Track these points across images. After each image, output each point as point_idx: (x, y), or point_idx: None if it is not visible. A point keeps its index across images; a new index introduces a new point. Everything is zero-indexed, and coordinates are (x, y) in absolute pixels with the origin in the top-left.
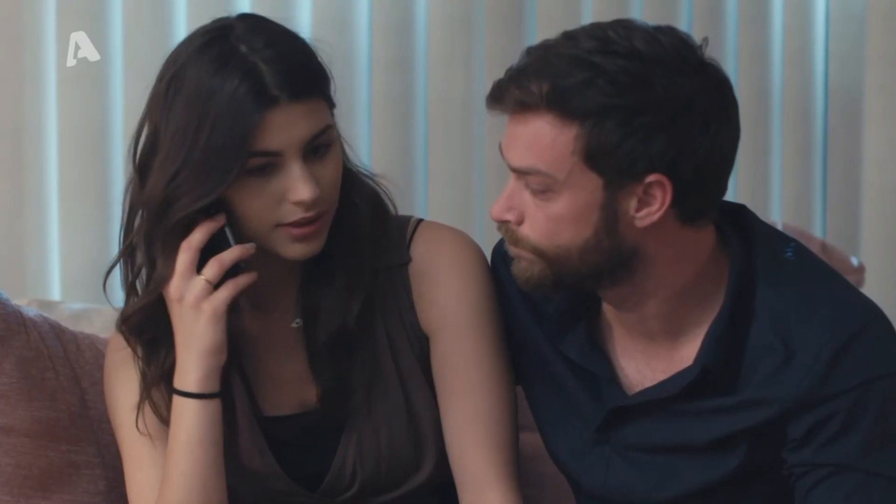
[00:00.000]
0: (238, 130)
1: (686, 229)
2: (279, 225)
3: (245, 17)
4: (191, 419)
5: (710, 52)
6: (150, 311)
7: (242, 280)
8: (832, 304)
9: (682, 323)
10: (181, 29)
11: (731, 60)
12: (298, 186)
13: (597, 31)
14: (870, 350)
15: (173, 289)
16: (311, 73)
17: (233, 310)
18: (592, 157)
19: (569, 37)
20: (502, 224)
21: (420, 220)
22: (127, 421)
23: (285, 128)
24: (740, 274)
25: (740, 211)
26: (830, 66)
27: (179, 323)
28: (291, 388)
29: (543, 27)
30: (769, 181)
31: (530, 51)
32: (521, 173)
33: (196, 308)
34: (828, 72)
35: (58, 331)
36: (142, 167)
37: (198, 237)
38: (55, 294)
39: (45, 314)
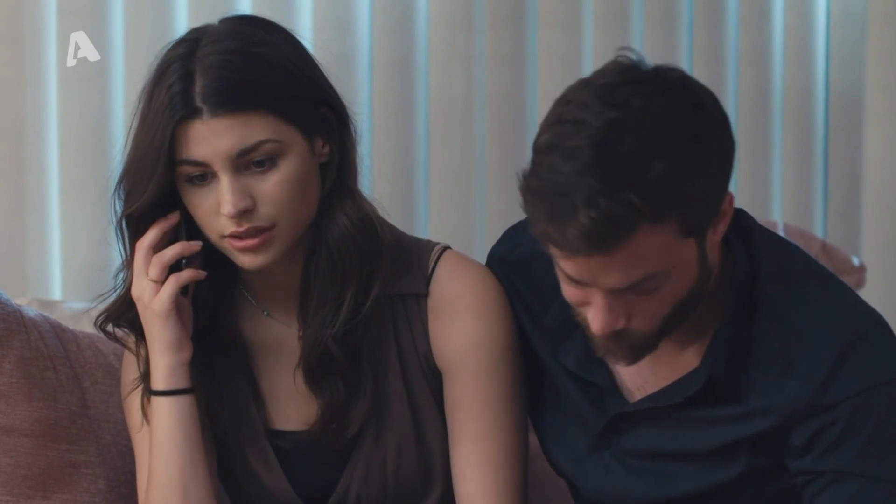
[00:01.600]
0: (160, 135)
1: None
2: (223, 236)
3: (230, 19)
4: (162, 416)
5: (710, 53)
6: (123, 305)
7: (185, 275)
8: (832, 311)
9: (685, 329)
10: (182, 29)
11: (731, 61)
12: (224, 199)
13: (619, 125)
14: (870, 357)
15: (133, 289)
16: (251, 84)
17: (229, 307)
18: (692, 228)
19: (593, 141)
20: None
21: (444, 250)
22: (129, 418)
23: (207, 139)
24: (744, 282)
25: (739, 215)
26: (831, 67)
27: (144, 324)
28: (299, 402)
29: (544, 27)
30: (770, 181)
31: (555, 166)
32: (633, 286)
33: (149, 308)
34: (828, 72)
35: (58, 330)
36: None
37: (150, 236)
38: (56, 293)
39: (46, 314)
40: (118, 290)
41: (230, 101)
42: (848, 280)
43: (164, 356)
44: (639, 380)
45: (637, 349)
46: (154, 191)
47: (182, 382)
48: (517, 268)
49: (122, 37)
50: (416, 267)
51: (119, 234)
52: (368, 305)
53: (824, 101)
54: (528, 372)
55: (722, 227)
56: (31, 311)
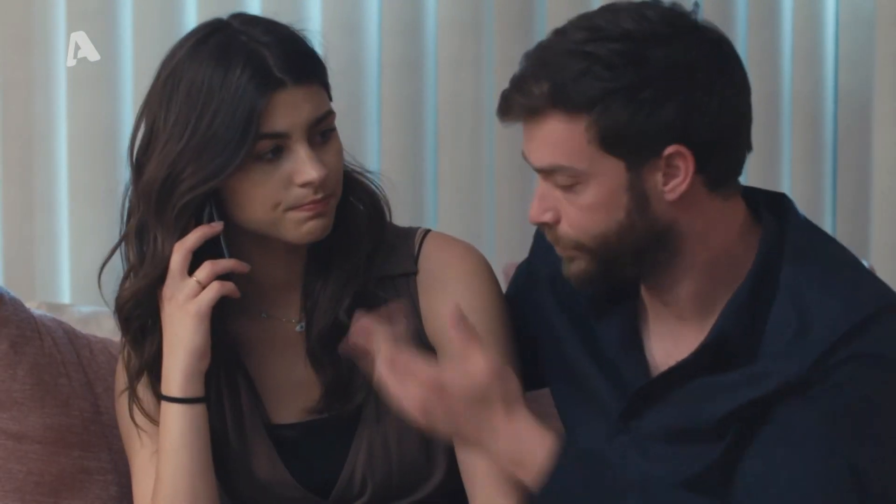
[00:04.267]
0: (244, 114)
1: (714, 198)
2: (287, 209)
3: (239, 14)
4: (175, 424)
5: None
6: (144, 296)
7: (228, 286)
8: (853, 285)
9: (712, 302)
10: None
11: None
12: (307, 168)
13: (584, 22)
14: (877, 335)
15: (166, 287)
16: (310, 59)
17: (228, 315)
18: (607, 141)
19: (559, 32)
20: (542, 225)
21: (427, 232)
22: (126, 434)
23: (291, 110)
24: (768, 251)
25: (781, 197)
26: (840, 70)
27: (168, 324)
28: (299, 394)
29: (553, 29)
30: (779, 185)
31: (527, 55)
32: (546, 173)
33: (182, 308)
34: (837, 75)
35: (71, 336)
36: (139, 161)
37: (192, 239)
38: (65, 297)
39: (59, 318)
40: (141, 274)
41: (304, 71)
42: None
43: (185, 361)
44: (666, 356)
45: (578, 265)
46: (229, 172)
47: (199, 391)
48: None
49: (131, 40)
50: (403, 248)
51: (155, 220)
52: (372, 283)
53: (833, 105)
54: (550, 365)
55: (674, 184)
56: (45, 316)
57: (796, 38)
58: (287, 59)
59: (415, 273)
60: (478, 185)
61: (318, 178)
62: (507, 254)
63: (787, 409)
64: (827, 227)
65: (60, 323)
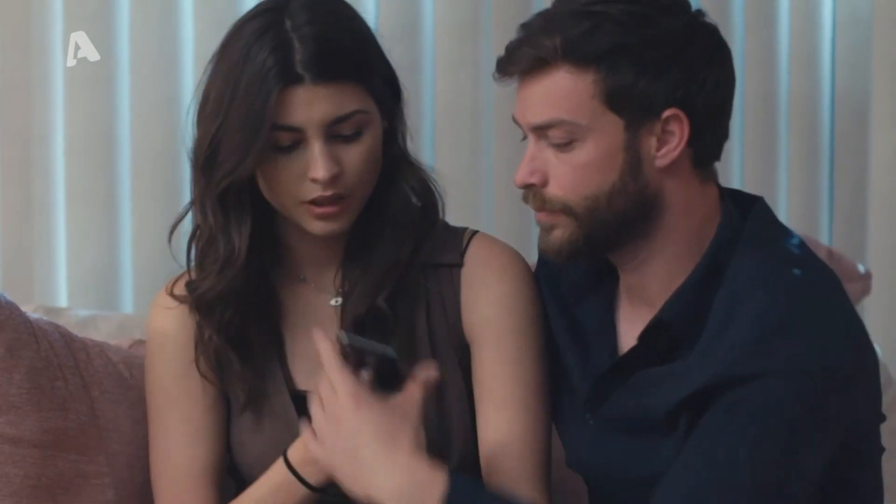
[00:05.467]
0: (260, 101)
1: (696, 175)
2: (302, 202)
3: None
4: (293, 500)
5: None
6: (228, 295)
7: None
8: (792, 286)
9: (674, 287)
10: (188, 35)
11: (737, 66)
12: (316, 164)
13: None
14: (808, 343)
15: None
16: (346, 57)
17: (275, 278)
18: (611, 97)
19: (565, 1)
20: (528, 189)
21: (476, 231)
22: (162, 386)
23: (305, 106)
24: (722, 241)
25: (755, 197)
26: (837, 72)
27: (353, 462)
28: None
29: None
30: (776, 187)
31: (527, 22)
32: (541, 130)
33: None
34: (834, 77)
35: (68, 339)
36: (197, 119)
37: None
38: (62, 300)
39: (55, 321)
40: (216, 267)
41: (330, 70)
42: (853, 287)
43: (333, 476)
44: (632, 343)
45: (558, 234)
46: (256, 157)
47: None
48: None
49: (129, 42)
50: (452, 241)
51: (206, 197)
52: (415, 270)
53: (830, 107)
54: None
55: (666, 151)
56: (42, 319)
57: (793, 40)
58: (315, 54)
59: (460, 265)
60: (476, 188)
61: (325, 177)
62: None
63: (712, 413)
64: (824, 228)
65: (57, 326)
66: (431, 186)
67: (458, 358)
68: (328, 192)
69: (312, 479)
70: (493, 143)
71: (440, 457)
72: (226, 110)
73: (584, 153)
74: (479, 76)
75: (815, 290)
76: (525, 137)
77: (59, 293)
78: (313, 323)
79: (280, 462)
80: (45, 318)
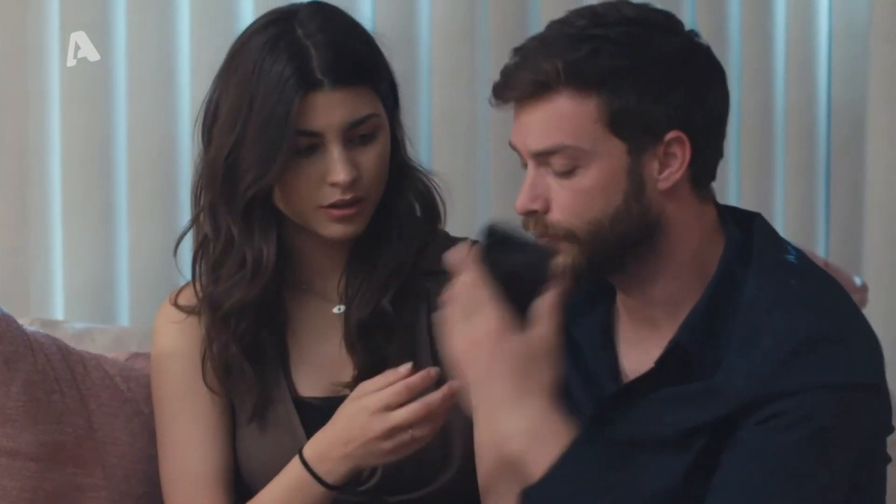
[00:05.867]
0: (282, 109)
1: (695, 196)
2: (320, 207)
3: (313, 3)
4: (306, 500)
5: None
6: (251, 300)
7: (430, 433)
8: (812, 302)
9: (680, 308)
10: (185, 48)
11: (733, 77)
12: (336, 168)
13: (584, 11)
14: (837, 356)
15: (384, 429)
16: (359, 61)
17: (281, 286)
18: (615, 121)
19: (557, 22)
20: (529, 216)
21: (475, 242)
22: (172, 399)
23: (325, 111)
24: (729, 262)
25: (753, 214)
26: (833, 83)
27: (360, 443)
28: (327, 371)
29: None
30: (772, 199)
31: (522, 46)
32: (543, 157)
33: (391, 453)
34: (831, 88)
35: (65, 352)
36: (209, 130)
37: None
38: (58, 313)
39: (51, 334)
40: (239, 275)
41: (347, 74)
42: None
43: (354, 469)
44: (638, 364)
45: (560, 259)
46: (283, 162)
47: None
48: None
49: (125, 54)
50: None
51: (227, 210)
52: (417, 276)
53: (826, 119)
54: None
55: (668, 174)
56: (39, 332)
57: (790, 51)
58: (332, 59)
59: None
60: (472, 199)
61: (346, 180)
62: None
63: (750, 433)
64: (820, 239)
65: (54, 339)
66: (433, 192)
67: None
68: (347, 196)
69: (329, 477)
70: (490, 151)
71: (441, 464)
72: (244, 122)
73: (587, 178)
74: (475, 86)
75: (836, 304)
76: (524, 165)
77: (56, 306)
78: (317, 331)
79: (295, 460)
80: (41, 330)
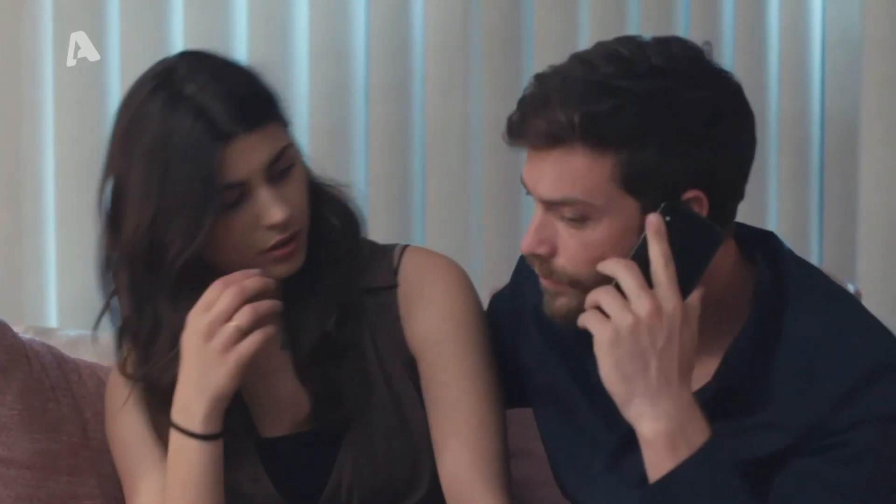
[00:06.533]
0: (202, 168)
1: None
2: (260, 252)
3: (186, 56)
4: (192, 459)
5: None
6: (173, 367)
7: (269, 331)
8: (862, 334)
9: (703, 341)
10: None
11: None
12: (270, 210)
13: (610, 53)
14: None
15: (199, 321)
16: (260, 100)
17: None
18: (630, 182)
19: (582, 62)
20: (534, 258)
21: (406, 246)
22: (127, 455)
23: (245, 157)
24: (767, 295)
25: (768, 236)
26: (826, 92)
27: (196, 361)
28: (286, 409)
29: (540, 54)
30: (765, 207)
31: (543, 78)
32: (552, 205)
33: (221, 356)
34: (824, 97)
35: (60, 360)
36: (113, 215)
37: (252, 288)
38: (52, 321)
39: (47, 342)
40: (161, 348)
41: (254, 116)
42: None
43: (215, 402)
44: None
45: (563, 302)
46: (212, 221)
47: (219, 427)
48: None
49: (119, 65)
50: (383, 262)
51: (151, 286)
52: (353, 294)
53: (820, 127)
54: (535, 391)
55: None
56: (34, 340)
57: (783, 61)
58: (235, 107)
59: (395, 286)
60: (465, 209)
61: (283, 219)
62: (494, 277)
63: (811, 462)
64: (813, 250)
65: (49, 348)
66: (349, 204)
67: (410, 376)
68: (286, 234)
69: (194, 424)
70: (483, 163)
71: (413, 482)
72: (159, 191)
73: (597, 232)
74: (468, 98)
75: (883, 328)
76: (530, 194)
77: (50, 314)
78: (269, 372)
79: (172, 432)
80: (36, 338)
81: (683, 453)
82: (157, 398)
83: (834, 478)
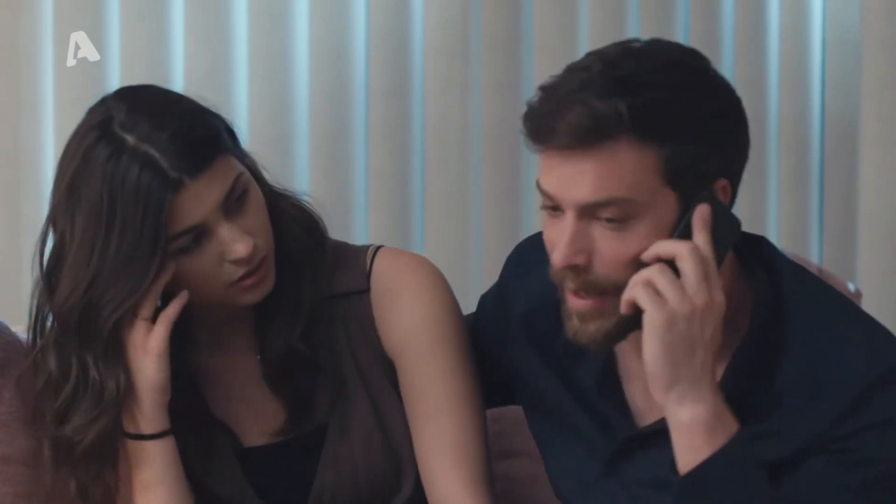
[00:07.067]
0: (151, 223)
1: None
2: (229, 285)
3: (122, 99)
4: (151, 461)
5: None
6: (108, 429)
7: (171, 310)
8: (866, 340)
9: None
10: (178, 59)
11: None
12: (234, 247)
13: (623, 51)
14: None
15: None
16: (204, 140)
17: (190, 350)
18: (672, 173)
19: (600, 58)
20: (568, 271)
21: (378, 248)
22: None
23: (198, 201)
24: (767, 305)
25: (760, 241)
26: (826, 93)
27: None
28: (263, 418)
29: (540, 55)
30: (765, 208)
31: (552, 85)
32: (592, 208)
33: (140, 349)
34: (824, 98)
35: None
36: (49, 272)
37: (173, 312)
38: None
39: None
40: (95, 411)
41: (199, 158)
42: None
43: (151, 398)
44: (650, 402)
45: (599, 325)
46: (148, 284)
47: (166, 423)
48: (537, 306)
49: (119, 66)
50: (354, 266)
51: (82, 347)
52: (322, 301)
53: (820, 128)
54: (526, 395)
55: None
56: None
57: (783, 62)
58: (180, 154)
59: (367, 290)
60: (465, 209)
61: (247, 252)
62: (494, 277)
63: (817, 467)
64: (813, 251)
65: None
66: (308, 210)
67: (389, 379)
68: (254, 263)
69: (143, 427)
70: (482, 165)
71: (395, 485)
72: (102, 250)
73: (637, 231)
74: (467, 99)
75: (880, 333)
76: (551, 208)
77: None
78: (246, 385)
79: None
80: None
81: (720, 439)
82: (75, 457)
83: (846, 480)
